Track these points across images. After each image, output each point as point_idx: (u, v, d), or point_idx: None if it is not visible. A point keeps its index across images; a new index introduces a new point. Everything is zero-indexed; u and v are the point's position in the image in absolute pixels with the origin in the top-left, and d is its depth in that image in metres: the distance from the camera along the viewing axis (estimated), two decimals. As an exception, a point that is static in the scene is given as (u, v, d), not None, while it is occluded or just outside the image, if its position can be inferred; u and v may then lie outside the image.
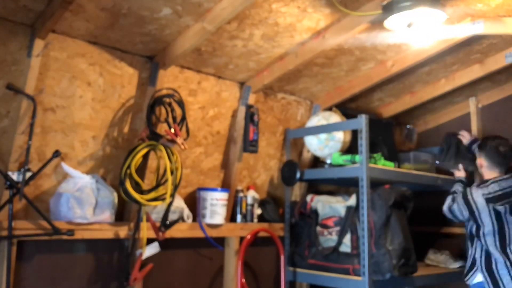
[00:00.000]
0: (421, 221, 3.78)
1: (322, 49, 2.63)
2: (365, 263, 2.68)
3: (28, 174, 2.23)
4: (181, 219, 2.80)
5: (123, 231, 2.58)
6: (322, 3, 2.28)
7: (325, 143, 3.12)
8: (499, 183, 2.72)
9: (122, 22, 2.25)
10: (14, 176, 2.20)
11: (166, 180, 2.57)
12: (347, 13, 2.35)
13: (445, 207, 2.89)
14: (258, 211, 3.23)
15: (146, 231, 2.58)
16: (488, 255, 2.68)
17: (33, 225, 2.29)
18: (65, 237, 2.32)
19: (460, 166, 3.10)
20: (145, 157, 2.62)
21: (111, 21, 2.24)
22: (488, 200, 2.67)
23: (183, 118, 2.67)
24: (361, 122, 2.82)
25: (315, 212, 3.10)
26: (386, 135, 3.55)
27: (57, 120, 2.39)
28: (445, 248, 3.67)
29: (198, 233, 2.87)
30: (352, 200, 2.94)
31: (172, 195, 2.58)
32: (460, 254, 3.61)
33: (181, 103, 2.66)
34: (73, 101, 2.42)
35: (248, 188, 3.24)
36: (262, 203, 3.30)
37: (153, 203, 2.56)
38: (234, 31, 2.43)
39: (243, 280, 3.03)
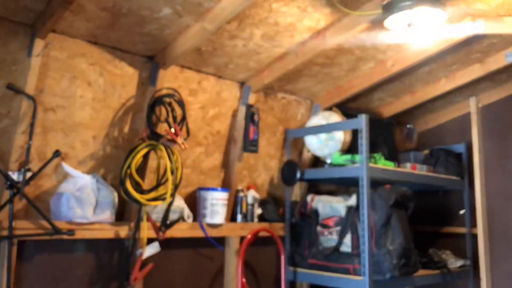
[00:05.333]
0: (421, 220, 3.78)
1: (323, 48, 2.63)
2: (366, 263, 2.69)
3: (29, 174, 2.23)
4: (181, 218, 2.80)
5: (123, 231, 2.58)
6: (322, 2, 2.28)
7: (325, 143, 3.12)
8: None
9: (122, 22, 2.25)
10: (15, 176, 2.20)
11: (167, 180, 2.57)
12: (347, 12, 2.35)
13: None
14: (258, 211, 3.23)
15: (146, 231, 2.58)
16: None
17: (33, 225, 2.29)
18: (65, 237, 2.32)
19: None
20: (146, 157, 2.62)
21: (111, 21, 2.24)
22: None
23: (183, 118, 2.67)
24: (361, 121, 2.82)
25: (315, 212, 3.10)
26: (386, 135, 3.56)
27: (58, 120, 2.39)
28: (446, 247, 3.67)
29: (199, 233, 2.87)
30: (352, 200, 2.94)
31: (173, 195, 2.58)
32: (461, 253, 3.61)
33: (181, 103, 2.66)
34: (74, 101, 2.42)
35: (248, 188, 3.24)
36: (262, 203, 3.29)
37: (154, 203, 2.56)
38: (234, 30, 2.43)
39: (244, 280, 3.02)
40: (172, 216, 2.72)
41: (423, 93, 3.50)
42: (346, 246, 2.89)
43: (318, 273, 2.99)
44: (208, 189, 2.94)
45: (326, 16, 2.41)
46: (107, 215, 2.49)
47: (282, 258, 3.19)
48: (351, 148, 3.12)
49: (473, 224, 3.61)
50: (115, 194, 2.53)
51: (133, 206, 2.61)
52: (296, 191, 3.45)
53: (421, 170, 3.36)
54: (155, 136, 2.59)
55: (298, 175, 3.09)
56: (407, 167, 3.27)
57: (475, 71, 3.18)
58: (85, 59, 2.42)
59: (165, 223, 2.62)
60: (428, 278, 3.15)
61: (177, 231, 2.74)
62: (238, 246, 3.08)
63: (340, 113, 3.24)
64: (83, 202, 2.38)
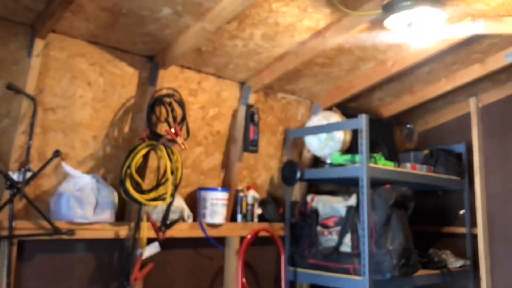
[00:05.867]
0: (421, 220, 3.78)
1: (323, 48, 2.63)
2: (366, 263, 2.69)
3: (29, 174, 2.23)
4: (181, 219, 2.80)
5: (123, 231, 2.58)
6: (322, 3, 2.28)
7: (325, 143, 3.12)
8: None
9: (122, 22, 2.25)
10: (15, 176, 2.20)
11: (167, 180, 2.57)
12: (347, 12, 2.35)
13: None
14: (258, 211, 3.23)
15: (146, 231, 2.58)
16: None
17: (33, 225, 2.29)
18: (65, 237, 2.32)
19: None
20: (146, 157, 2.62)
21: (111, 21, 2.24)
22: None
23: (183, 118, 2.67)
24: (361, 121, 2.82)
25: (315, 212, 3.10)
26: (387, 135, 3.56)
27: (58, 120, 2.39)
28: (446, 247, 3.67)
29: (199, 233, 2.87)
30: (352, 200, 2.94)
31: (173, 195, 2.58)
32: (461, 253, 3.61)
33: (181, 103, 2.66)
34: (74, 101, 2.42)
35: (248, 188, 3.24)
36: (262, 203, 3.29)
37: (154, 203, 2.56)
38: (234, 31, 2.43)
39: (244, 280, 3.03)
40: (172, 216, 2.72)
41: (423, 93, 3.50)
42: (346, 246, 2.89)
43: (318, 273, 2.98)
44: (208, 189, 2.94)
45: (326, 16, 2.41)
46: (107, 215, 2.49)
47: (282, 258, 3.19)
48: (351, 148, 3.12)
49: (473, 224, 3.61)
50: (115, 194, 2.53)
51: (133, 206, 2.61)
52: (296, 191, 3.45)
53: (421, 170, 3.36)
54: (155, 136, 2.59)
55: (298, 175, 3.09)
56: (407, 167, 3.28)
57: (475, 71, 3.17)
58: (85, 59, 2.42)
59: (165, 223, 2.62)
60: (428, 278, 3.15)
61: (177, 231, 2.74)
62: (238, 246, 3.08)
63: (340, 113, 3.24)
64: (83, 202, 2.38)
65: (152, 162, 2.67)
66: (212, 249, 2.99)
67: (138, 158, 2.53)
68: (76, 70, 2.40)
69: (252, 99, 3.06)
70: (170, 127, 2.62)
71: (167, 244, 2.71)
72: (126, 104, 2.62)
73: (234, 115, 3.07)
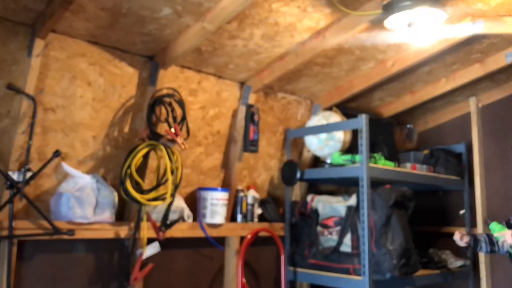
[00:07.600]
0: (421, 220, 3.78)
1: (322, 48, 2.63)
2: (366, 263, 2.69)
3: (29, 174, 2.23)
4: (181, 218, 2.80)
5: (123, 231, 2.58)
6: (322, 2, 2.28)
7: (325, 143, 3.13)
8: None
9: (122, 22, 2.25)
10: (15, 176, 2.20)
11: (167, 180, 2.57)
12: (347, 12, 2.35)
13: None
14: (258, 210, 3.23)
15: (146, 231, 2.58)
16: None
17: (33, 225, 2.29)
18: (65, 237, 2.32)
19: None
20: (146, 156, 2.62)
21: (111, 21, 2.24)
22: None
23: (184, 117, 2.67)
24: (361, 121, 2.82)
25: (315, 212, 3.10)
26: (387, 135, 3.55)
27: (58, 120, 2.39)
28: (446, 247, 3.67)
29: (199, 233, 2.87)
30: (352, 200, 2.94)
31: (173, 195, 2.58)
32: (461, 253, 3.61)
33: (181, 103, 2.66)
34: (74, 101, 2.42)
35: (248, 188, 3.24)
36: (262, 203, 3.29)
37: (154, 203, 2.56)
38: (234, 30, 2.43)
39: (244, 280, 3.02)
40: (172, 216, 2.72)
41: (423, 93, 3.50)
42: (346, 246, 2.89)
43: (318, 273, 2.99)
44: (208, 189, 2.94)
45: (326, 16, 2.41)
46: (107, 215, 2.49)
47: (282, 258, 3.19)
48: (351, 148, 3.12)
49: (473, 224, 3.61)
50: (115, 194, 2.53)
51: (133, 206, 2.61)
52: (296, 191, 3.44)
53: (421, 170, 3.36)
54: (155, 136, 2.59)
55: (298, 175, 3.09)
56: (407, 167, 3.28)
57: (475, 71, 3.17)
58: (85, 59, 2.42)
59: (165, 223, 2.62)
60: (428, 278, 3.16)
61: (177, 231, 2.74)
62: (238, 246, 3.08)
63: (340, 113, 3.24)
64: (83, 202, 2.38)
65: (152, 162, 2.67)
66: (212, 249, 2.99)
67: (138, 158, 2.53)
68: (76, 70, 2.40)
69: (252, 99, 3.06)
70: (170, 127, 2.62)
71: (167, 244, 2.71)
72: (126, 104, 2.62)
73: (234, 115, 3.07)
